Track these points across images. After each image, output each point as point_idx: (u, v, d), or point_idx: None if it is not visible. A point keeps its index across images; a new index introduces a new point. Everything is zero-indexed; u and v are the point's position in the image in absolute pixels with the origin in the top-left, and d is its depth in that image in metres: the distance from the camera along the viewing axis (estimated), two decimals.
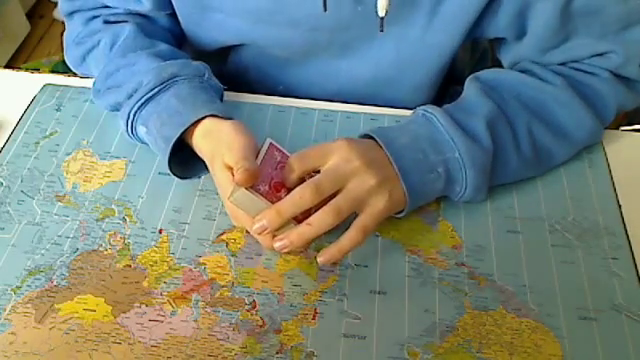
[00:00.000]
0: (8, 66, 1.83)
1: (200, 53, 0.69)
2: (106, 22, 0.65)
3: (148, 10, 0.64)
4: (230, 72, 0.74)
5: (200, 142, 0.54)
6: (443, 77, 0.68)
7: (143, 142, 0.59)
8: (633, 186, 0.59)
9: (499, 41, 0.63)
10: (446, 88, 0.75)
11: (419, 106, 0.67)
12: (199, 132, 0.54)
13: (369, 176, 0.49)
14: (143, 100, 0.56)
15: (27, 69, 0.76)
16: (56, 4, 2.10)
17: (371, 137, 0.53)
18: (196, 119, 0.53)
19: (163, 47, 0.62)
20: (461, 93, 0.59)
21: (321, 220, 0.47)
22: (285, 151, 0.53)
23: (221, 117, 0.54)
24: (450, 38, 0.60)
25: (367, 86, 0.68)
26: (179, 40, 0.69)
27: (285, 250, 0.49)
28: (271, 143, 0.52)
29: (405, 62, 0.64)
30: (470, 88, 0.58)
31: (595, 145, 0.62)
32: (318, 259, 0.49)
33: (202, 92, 0.57)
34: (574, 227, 0.55)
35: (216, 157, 0.52)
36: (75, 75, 0.70)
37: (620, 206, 0.57)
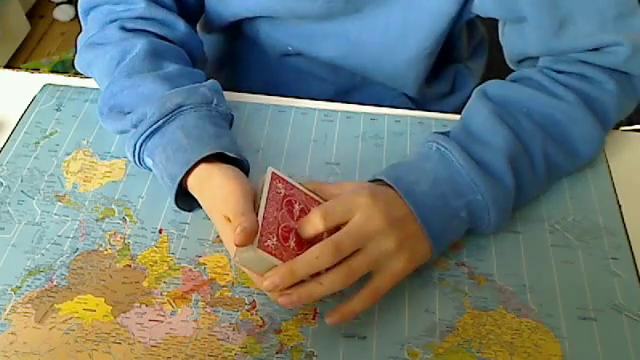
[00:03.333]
0: (8, 66, 1.83)
1: (216, 30, 0.71)
2: (122, 29, 0.62)
3: None
4: (239, 41, 0.75)
5: (195, 191, 0.53)
6: (438, 51, 0.69)
7: (152, 170, 0.57)
8: (633, 186, 0.59)
9: (501, 27, 0.63)
10: (440, 69, 0.78)
11: (413, 83, 0.71)
12: (193, 180, 0.52)
13: (390, 238, 0.47)
14: (148, 133, 0.54)
15: (27, 69, 0.76)
16: (56, 4, 2.10)
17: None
18: (200, 158, 0.51)
19: (172, 68, 0.59)
20: (455, 73, 0.58)
21: (334, 281, 0.45)
22: (288, 179, 0.50)
23: (219, 160, 0.52)
24: (449, 4, 0.62)
25: (372, 52, 0.69)
26: (194, 54, 0.67)
27: (291, 306, 0.47)
28: (273, 173, 0.49)
29: (410, 28, 0.65)
30: (480, 110, 0.55)
31: None
32: (327, 320, 0.47)
33: (209, 123, 0.55)
34: (574, 227, 0.55)
35: (213, 211, 0.51)
36: (75, 75, 0.70)
37: (620, 206, 0.57)
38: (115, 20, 0.63)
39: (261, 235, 0.45)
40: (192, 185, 0.53)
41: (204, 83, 0.59)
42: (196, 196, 0.53)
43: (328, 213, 0.46)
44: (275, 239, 0.46)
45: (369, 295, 0.47)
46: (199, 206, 0.55)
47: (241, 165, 0.54)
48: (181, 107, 0.55)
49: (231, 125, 0.60)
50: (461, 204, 0.50)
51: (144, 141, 0.55)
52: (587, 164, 0.60)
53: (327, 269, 0.45)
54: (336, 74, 0.76)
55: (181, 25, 0.64)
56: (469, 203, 0.50)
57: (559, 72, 0.58)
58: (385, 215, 0.47)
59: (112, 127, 0.59)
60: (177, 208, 0.54)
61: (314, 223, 0.46)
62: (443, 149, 0.52)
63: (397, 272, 0.47)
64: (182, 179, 0.52)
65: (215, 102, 0.57)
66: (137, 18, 0.63)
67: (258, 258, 0.44)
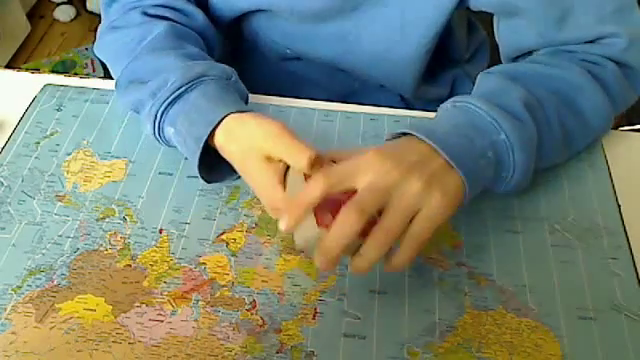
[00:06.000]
0: (8, 66, 1.83)
1: (217, 29, 0.71)
2: (144, 14, 0.63)
3: None
4: (240, 43, 0.76)
5: (224, 143, 0.52)
6: (433, 50, 0.69)
7: (169, 145, 0.57)
8: (633, 186, 0.59)
9: (496, 23, 0.64)
10: (439, 71, 0.78)
11: (412, 82, 0.72)
12: (221, 132, 0.52)
13: (413, 180, 0.43)
14: (170, 99, 0.54)
15: (27, 69, 0.76)
16: (57, 4, 2.10)
17: (406, 134, 0.49)
18: (224, 115, 0.51)
19: (192, 50, 0.60)
20: (454, 78, 0.59)
21: (374, 247, 0.43)
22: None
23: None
24: None
25: (371, 51, 0.69)
26: (211, 45, 0.68)
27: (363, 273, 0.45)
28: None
29: (409, 24, 0.65)
30: (489, 79, 0.55)
31: (595, 145, 0.62)
32: (385, 269, 0.45)
33: (229, 93, 0.55)
34: (574, 227, 0.55)
35: (249, 153, 0.50)
36: (75, 75, 0.70)
37: (620, 206, 0.57)
38: (138, 7, 0.64)
39: (316, 215, 0.44)
40: (220, 138, 0.52)
41: (221, 64, 0.59)
42: (224, 150, 0.52)
43: (330, 174, 0.43)
44: (329, 215, 0.44)
45: (410, 244, 0.44)
46: (218, 178, 0.56)
47: None
48: (202, 76, 0.55)
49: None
50: (486, 143, 0.48)
51: (166, 109, 0.54)
52: (587, 162, 0.60)
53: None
54: (334, 80, 0.77)
55: (199, 16, 0.66)
56: (494, 143, 0.48)
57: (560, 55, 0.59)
58: (399, 163, 0.44)
59: (128, 99, 0.59)
60: (200, 177, 0.54)
61: (315, 183, 0.43)
62: (460, 103, 0.51)
63: (434, 211, 0.43)
64: (210, 137, 0.52)
65: (234, 78, 0.58)
66: (158, 6, 0.64)
67: (318, 238, 0.43)
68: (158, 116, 0.55)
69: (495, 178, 0.50)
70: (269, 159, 0.49)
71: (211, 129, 0.51)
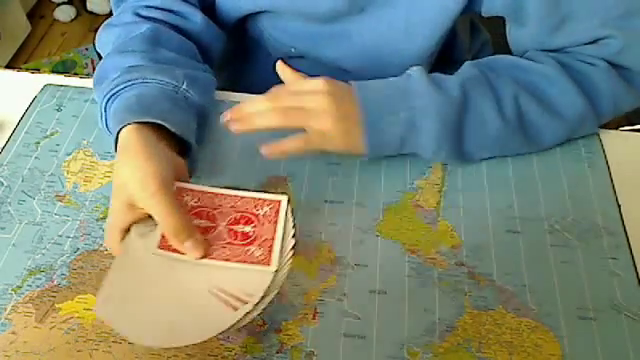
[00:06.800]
0: (9, 66, 1.83)
1: (223, 28, 0.71)
2: (136, 14, 0.63)
3: None
4: (244, 41, 0.77)
5: (117, 157, 0.50)
6: (437, 53, 0.69)
7: None
8: (633, 186, 0.59)
9: (508, 27, 0.65)
10: (442, 72, 0.77)
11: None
12: (120, 141, 0.50)
13: (326, 100, 0.53)
14: (108, 97, 0.54)
15: (28, 69, 0.76)
16: (57, 4, 2.10)
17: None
18: (134, 120, 0.49)
19: (165, 54, 0.59)
20: None
21: (269, 114, 0.53)
22: (194, 187, 0.48)
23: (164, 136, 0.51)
24: (454, 0, 0.61)
25: (375, 53, 0.69)
26: (208, 47, 0.67)
27: (240, 128, 0.54)
28: (178, 188, 0.48)
29: (413, 27, 0.65)
30: (464, 66, 0.60)
31: (595, 145, 0.62)
32: (262, 150, 0.54)
33: (167, 100, 0.54)
34: (574, 227, 0.55)
35: (120, 190, 0.48)
36: (75, 75, 0.70)
37: (619, 206, 0.57)
38: (132, 7, 0.64)
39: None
40: (118, 148, 0.51)
41: (183, 70, 0.58)
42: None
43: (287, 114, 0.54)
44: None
45: (298, 140, 0.54)
46: None
47: (189, 147, 0.54)
48: (145, 79, 0.55)
49: (204, 119, 0.59)
50: (402, 105, 0.55)
51: (107, 105, 0.55)
52: (587, 162, 0.60)
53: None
54: (337, 80, 0.76)
55: (197, 17, 0.65)
56: (410, 107, 0.55)
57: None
58: (331, 92, 0.54)
59: (97, 98, 0.59)
60: None
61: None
62: (410, 70, 0.57)
63: (327, 127, 0.53)
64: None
65: (184, 86, 0.56)
66: (151, 7, 0.64)
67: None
68: (103, 112, 0.55)
69: (411, 140, 0.56)
70: (133, 206, 0.47)
71: (117, 129, 0.50)
